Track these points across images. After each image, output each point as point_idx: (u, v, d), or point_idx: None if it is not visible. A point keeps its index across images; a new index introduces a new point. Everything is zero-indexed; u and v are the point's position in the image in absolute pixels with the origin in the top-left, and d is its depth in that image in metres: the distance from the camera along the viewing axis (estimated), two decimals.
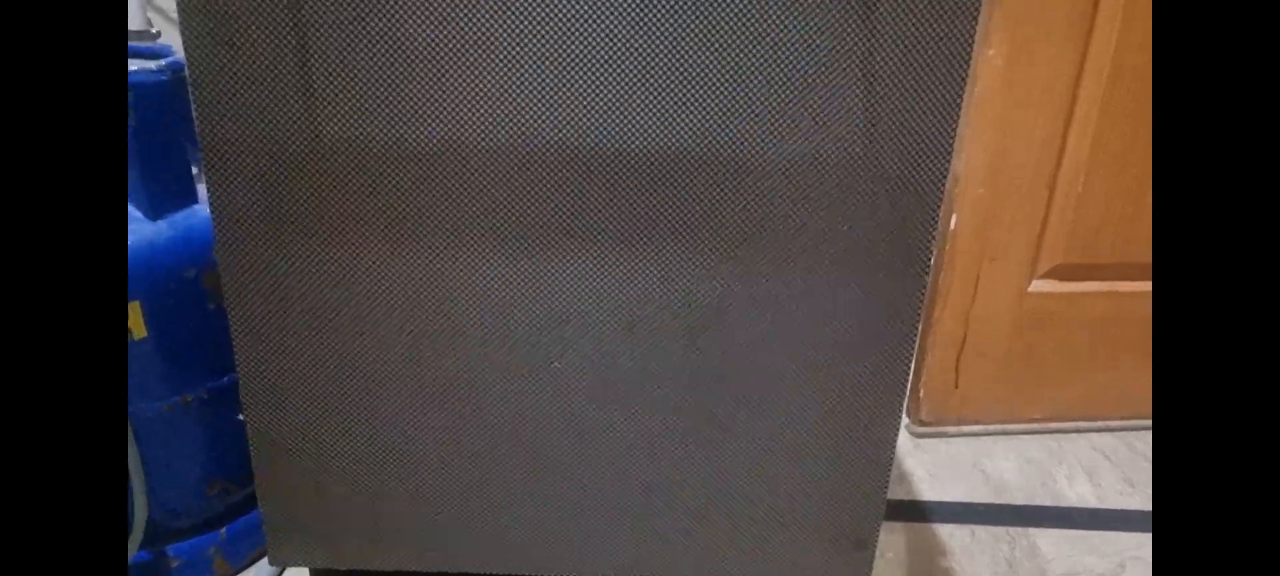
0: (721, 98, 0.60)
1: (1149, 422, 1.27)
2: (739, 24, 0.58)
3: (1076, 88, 1.05)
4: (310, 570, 0.92)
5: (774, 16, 0.58)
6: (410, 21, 0.59)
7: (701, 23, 0.58)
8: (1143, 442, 1.24)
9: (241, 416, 0.75)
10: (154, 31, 1.39)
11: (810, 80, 0.60)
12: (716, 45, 0.59)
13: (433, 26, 0.59)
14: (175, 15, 1.39)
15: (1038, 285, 1.15)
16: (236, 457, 0.91)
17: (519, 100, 0.61)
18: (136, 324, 0.80)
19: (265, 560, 0.95)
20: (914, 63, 0.60)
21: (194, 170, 0.87)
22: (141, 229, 0.80)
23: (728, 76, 0.60)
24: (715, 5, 0.58)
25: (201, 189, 0.88)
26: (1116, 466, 1.19)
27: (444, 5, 0.58)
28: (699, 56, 0.59)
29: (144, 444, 0.83)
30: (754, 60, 0.59)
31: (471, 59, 0.60)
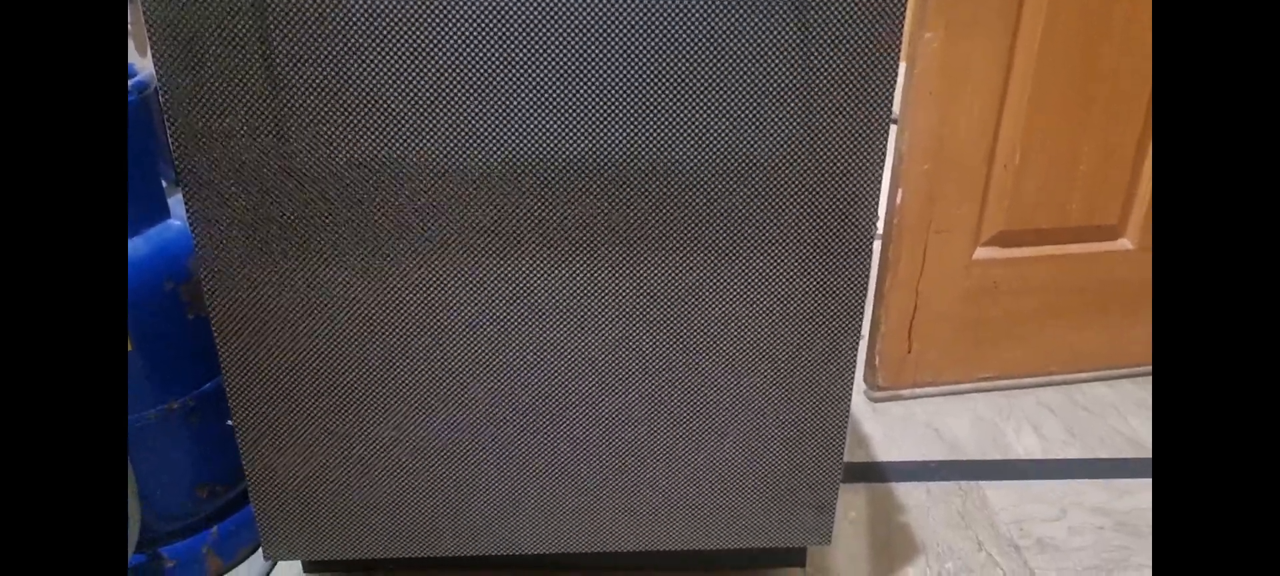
0: (676, 108, 0.65)
1: (1088, 376, 1.35)
2: (689, 40, 0.63)
3: (1009, 68, 1.11)
4: (302, 563, 0.96)
5: (720, 30, 0.62)
6: (377, 43, 0.62)
7: (656, 43, 0.62)
8: (1083, 395, 1.33)
9: (230, 422, 0.79)
10: None
11: (754, 88, 0.65)
12: (670, 61, 0.63)
13: (401, 50, 0.62)
14: (129, 24, 1.39)
15: (982, 253, 1.22)
16: (223, 459, 0.94)
17: (486, 116, 0.64)
18: None
19: (258, 554, 0.99)
20: (846, 64, 0.65)
21: (164, 185, 0.89)
22: None
23: (680, 90, 0.64)
24: (667, 26, 0.62)
25: (173, 202, 0.90)
26: (1060, 419, 1.27)
27: (412, 30, 0.62)
28: (656, 72, 0.64)
29: (134, 452, 0.86)
30: (704, 72, 0.64)
31: (441, 80, 0.63)
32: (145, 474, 0.88)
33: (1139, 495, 1.11)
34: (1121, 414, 1.28)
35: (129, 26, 1.26)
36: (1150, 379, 1.37)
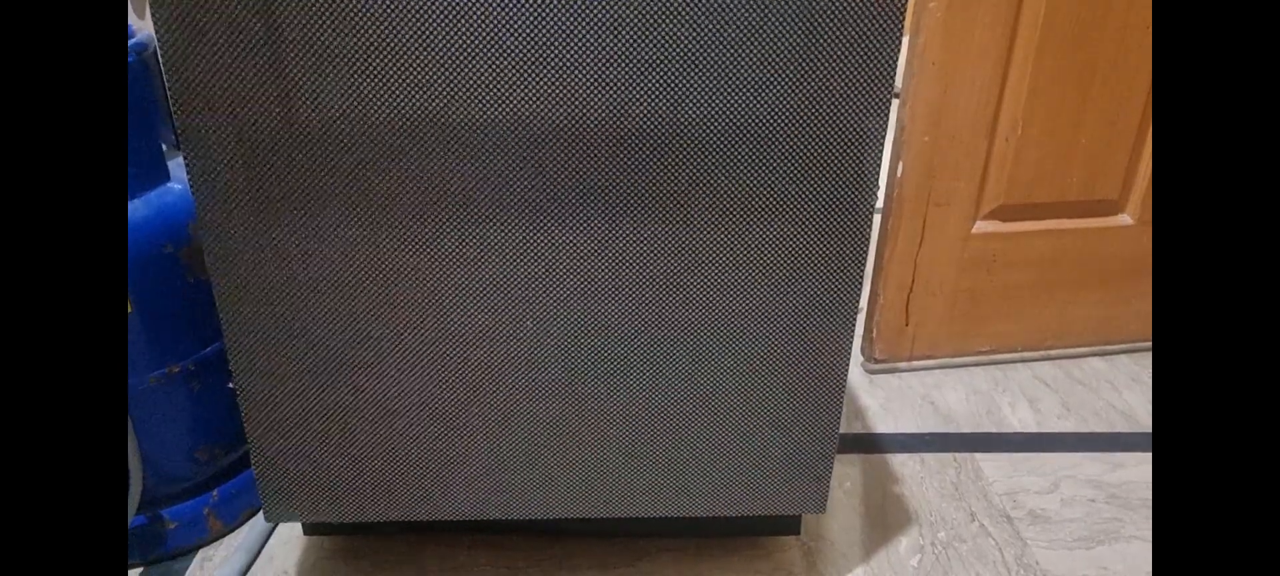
0: (684, 74, 0.65)
1: (1084, 350, 1.36)
2: (700, 10, 0.62)
3: (1012, 40, 1.10)
4: (302, 525, 0.97)
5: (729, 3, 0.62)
6: (378, 8, 0.62)
7: (668, 12, 0.62)
8: (1079, 370, 1.33)
9: (231, 385, 0.79)
10: None
11: (760, 57, 0.64)
12: (679, 29, 0.63)
13: (406, 7, 0.62)
14: None
15: (980, 226, 1.22)
16: (223, 423, 0.95)
17: (488, 82, 0.64)
18: None
19: (258, 516, 1.00)
20: (850, 33, 0.64)
21: (164, 148, 0.89)
22: None
23: (689, 56, 0.64)
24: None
25: (172, 165, 0.90)
26: (1055, 393, 1.28)
27: None
28: (665, 39, 0.63)
29: (135, 415, 0.87)
30: (712, 40, 0.64)
31: (441, 41, 0.63)
32: (146, 437, 0.89)
33: (1131, 468, 1.12)
34: (1117, 388, 1.29)
35: None
36: (1147, 354, 1.37)
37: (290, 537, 0.98)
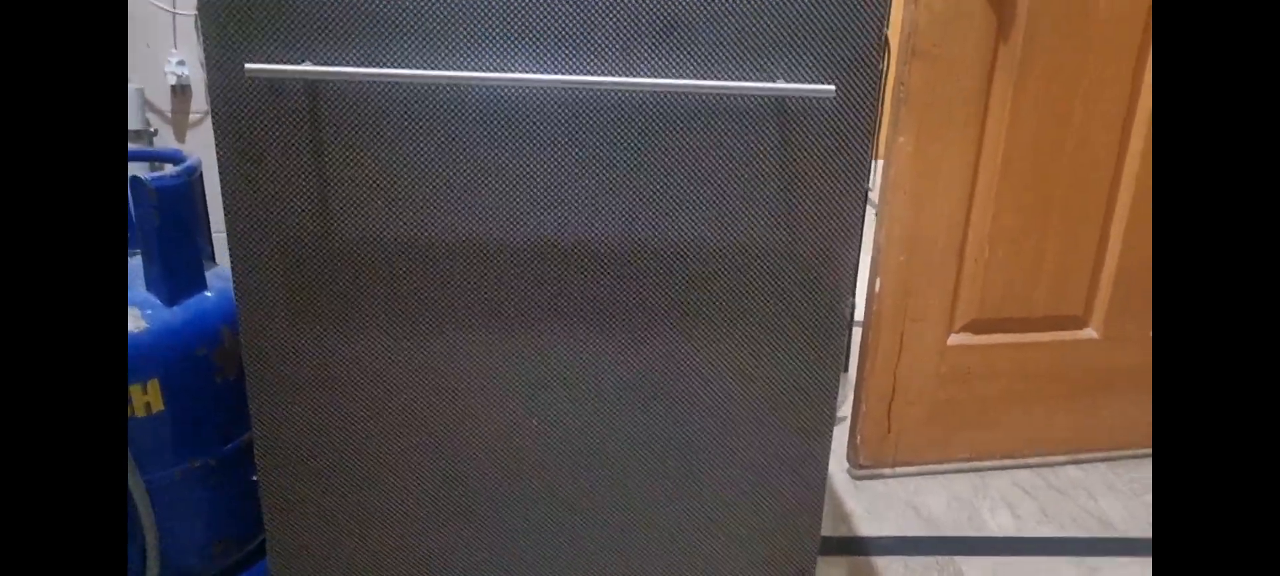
0: (672, 202, 0.74)
1: (1061, 459, 1.42)
2: (685, 142, 0.72)
3: (975, 170, 1.21)
4: None
5: (713, 139, 0.72)
6: (412, 142, 0.71)
7: (656, 141, 0.72)
8: (1056, 477, 1.39)
9: (255, 477, 0.85)
10: (152, 130, 1.50)
11: (741, 183, 0.74)
12: (669, 160, 0.73)
13: (433, 146, 0.71)
14: (168, 114, 1.51)
15: (955, 339, 1.30)
16: (239, 518, 1.00)
17: (505, 203, 0.73)
18: (155, 398, 0.89)
19: None
20: (821, 165, 0.74)
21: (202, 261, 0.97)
22: (160, 315, 0.90)
23: (677, 186, 0.73)
24: (669, 134, 0.72)
25: (207, 276, 0.98)
26: (1034, 499, 1.33)
27: (443, 130, 0.71)
28: (656, 168, 0.73)
29: (157, 507, 0.92)
30: (699, 172, 0.73)
31: (466, 172, 0.72)
32: (166, 528, 0.94)
33: (1107, 571, 1.16)
34: (1093, 495, 1.34)
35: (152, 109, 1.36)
36: (1121, 463, 1.43)
37: None
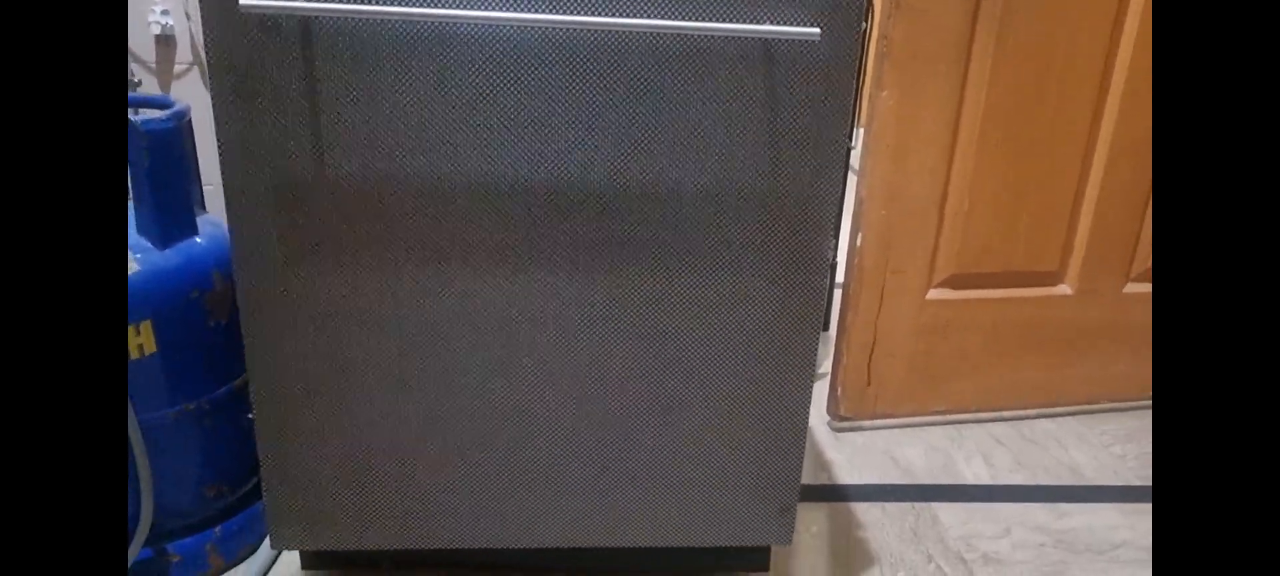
0: (659, 141, 0.75)
1: (1034, 412, 1.46)
2: (674, 84, 0.74)
3: (957, 124, 1.23)
4: (300, 554, 1.03)
5: (702, 82, 0.74)
6: (404, 81, 0.72)
7: (647, 87, 0.73)
8: (1030, 429, 1.43)
9: (250, 415, 0.86)
10: (135, 81, 1.49)
11: (729, 128, 0.76)
12: (658, 102, 0.74)
13: (425, 86, 0.72)
14: (152, 64, 1.50)
15: (934, 293, 1.33)
16: (231, 461, 1.01)
17: (496, 143, 0.75)
18: (148, 340, 0.90)
19: (255, 554, 1.05)
20: (807, 111, 0.76)
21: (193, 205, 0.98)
22: (152, 258, 0.91)
23: (666, 127, 0.75)
24: (659, 77, 0.73)
25: (199, 221, 0.99)
26: (1009, 450, 1.37)
27: (436, 69, 0.72)
28: (645, 111, 0.74)
29: (151, 450, 0.93)
30: (687, 114, 0.75)
31: (458, 111, 0.73)
32: (159, 471, 0.95)
33: (1076, 516, 1.21)
34: (1064, 446, 1.38)
35: (136, 56, 1.36)
36: (1092, 415, 1.48)
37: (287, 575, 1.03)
